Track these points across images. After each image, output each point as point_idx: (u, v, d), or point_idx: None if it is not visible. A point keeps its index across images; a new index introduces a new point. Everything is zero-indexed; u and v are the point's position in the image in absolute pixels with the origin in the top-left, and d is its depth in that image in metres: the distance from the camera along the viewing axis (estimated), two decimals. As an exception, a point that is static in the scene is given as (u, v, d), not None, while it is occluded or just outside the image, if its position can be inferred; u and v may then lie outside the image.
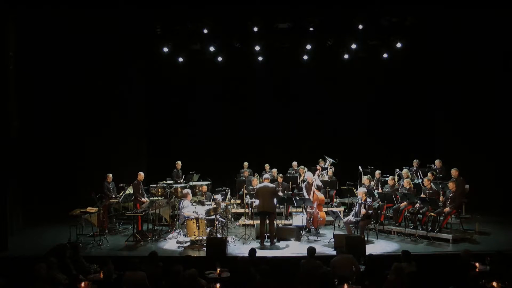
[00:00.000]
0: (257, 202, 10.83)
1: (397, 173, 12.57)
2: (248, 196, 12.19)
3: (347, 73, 15.21)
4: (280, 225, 11.33)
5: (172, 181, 13.40)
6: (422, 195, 11.09)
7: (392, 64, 14.51)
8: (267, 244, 10.46)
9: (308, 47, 13.88)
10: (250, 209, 12.17)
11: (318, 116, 15.73)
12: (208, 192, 12.63)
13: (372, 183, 12.22)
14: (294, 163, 14.25)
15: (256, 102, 15.79)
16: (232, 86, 15.74)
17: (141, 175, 12.10)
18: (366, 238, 10.33)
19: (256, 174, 13.76)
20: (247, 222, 12.04)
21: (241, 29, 13.29)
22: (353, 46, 13.75)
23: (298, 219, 11.43)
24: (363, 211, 10.65)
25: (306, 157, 14.56)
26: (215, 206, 11.25)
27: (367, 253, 8.89)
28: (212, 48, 13.91)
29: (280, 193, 11.73)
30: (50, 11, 12.26)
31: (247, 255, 8.23)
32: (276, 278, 7.25)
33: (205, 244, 9.89)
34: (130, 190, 12.34)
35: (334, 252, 9.46)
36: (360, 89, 15.50)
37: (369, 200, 10.88)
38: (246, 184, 12.80)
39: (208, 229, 10.59)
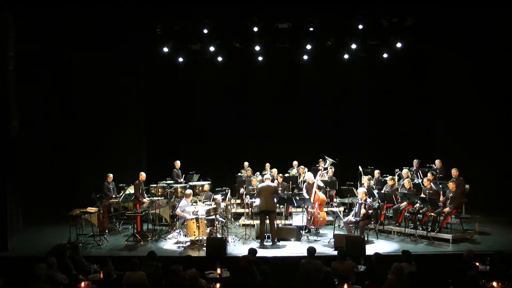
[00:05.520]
0: (257, 201, 10.84)
1: (397, 173, 12.58)
2: (248, 196, 12.19)
3: (347, 73, 15.22)
4: (280, 225, 11.33)
5: (172, 181, 13.41)
6: (422, 195, 11.09)
7: (392, 64, 14.51)
8: (267, 244, 10.47)
9: (308, 47, 13.87)
10: (250, 209, 12.18)
11: (318, 116, 15.72)
12: (208, 192, 12.63)
13: (372, 182, 12.22)
14: (295, 163, 14.26)
15: (256, 102, 15.80)
16: (232, 86, 15.74)
17: (143, 175, 12.12)
18: (366, 238, 10.34)
19: (257, 173, 13.77)
20: (247, 222, 12.04)
21: (241, 29, 13.29)
22: (353, 46, 13.74)
23: (298, 219, 11.44)
24: (363, 211, 10.66)
25: (306, 157, 14.57)
26: (215, 206, 11.25)
27: (367, 253, 8.90)
28: (212, 48, 13.91)
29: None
30: (50, 11, 12.27)
31: (247, 254, 8.23)
32: (276, 278, 7.25)
33: (205, 244, 9.89)
34: (130, 190, 12.35)
35: (335, 252, 9.46)
36: (360, 89, 15.51)
37: (369, 200, 10.88)
38: (246, 184, 12.80)
39: (208, 229, 10.59)
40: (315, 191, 11.37)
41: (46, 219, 12.77)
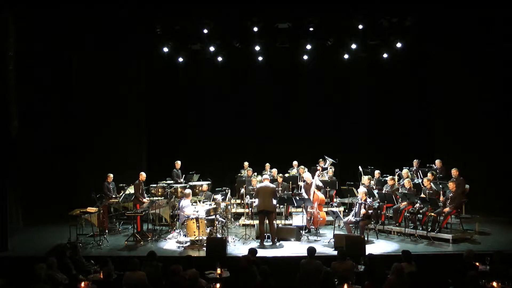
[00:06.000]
0: (256, 201, 10.84)
1: (397, 173, 12.57)
2: (248, 196, 12.19)
3: (347, 73, 15.23)
4: (280, 225, 11.32)
5: (172, 181, 13.41)
6: (422, 195, 11.09)
7: (392, 64, 14.51)
8: (267, 244, 10.47)
9: (308, 47, 13.87)
10: (250, 209, 12.17)
11: (318, 115, 15.72)
12: (208, 191, 12.62)
13: (372, 182, 12.22)
14: (295, 163, 14.26)
15: (256, 102, 15.80)
16: (232, 86, 15.75)
17: (143, 175, 12.12)
18: (366, 238, 10.34)
19: (255, 174, 13.76)
20: (247, 222, 12.04)
21: (241, 29, 13.29)
22: (353, 46, 13.74)
23: (298, 219, 11.44)
24: (363, 211, 10.65)
25: (306, 157, 14.57)
26: (215, 206, 11.25)
27: (367, 253, 8.90)
28: (212, 48, 13.91)
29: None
30: (50, 11, 12.28)
31: (247, 254, 8.23)
32: (276, 278, 7.25)
33: (205, 244, 9.89)
34: (130, 190, 12.35)
35: (335, 252, 9.46)
36: (360, 89, 15.52)
37: (369, 200, 10.88)
38: (246, 184, 12.80)
39: (208, 229, 10.59)
40: (314, 191, 11.37)
41: (46, 219, 12.76)
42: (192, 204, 11.06)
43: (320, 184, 11.84)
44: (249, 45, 13.83)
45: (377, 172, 12.88)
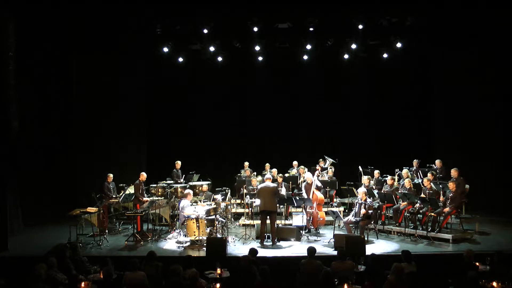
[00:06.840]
0: (257, 201, 10.84)
1: (397, 173, 12.57)
2: (248, 196, 12.19)
3: (347, 73, 15.23)
4: (280, 225, 11.32)
5: (172, 181, 13.41)
6: (422, 195, 11.09)
7: (392, 64, 14.52)
8: (268, 244, 10.47)
9: (308, 47, 13.88)
10: (250, 209, 12.17)
11: (318, 116, 15.73)
12: (207, 192, 12.62)
13: (372, 182, 12.22)
14: (295, 163, 14.28)
15: (256, 102, 15.81)
16: (232, 86, 15.75)
17: (143, 175, 12.11)
18: (366, 238, 10.33)
19: (254, 173, 13.76)
20: (247, 222, 12.04)
21: (241, 29, 13.30)
22: (353, 46, 13.75)
23: (298, 219, 11.43)
24: (363, 211, 10.66)
25: (306, 157, 14.57)
26: (215, 206, 11.25)
27: (367, 253, 8.90)
28: (212, 48, 13.91)
29: (284, 192, 11.79)
30: (50, 10, 12.28)
31: (248, 254, 8.23)
32: (276, 278, 7.25)
33: (205, 244, 9.90)
34: (130, 190, 12.35)
35: (335, 252, 9.46)
36: (360, 89, 15.52)
37: (369, 200, 10.89)
38: (246, 184, 12.80)
39: (208, 229, 10.59)
40: (313, 191, 11.37)
41: (46, 219, 12.76)
42: (192, 204, 11.06)
43: (319, 184, 11.84)
44: (249, 45, 13.84)
45: (376, 172, 12.88)
